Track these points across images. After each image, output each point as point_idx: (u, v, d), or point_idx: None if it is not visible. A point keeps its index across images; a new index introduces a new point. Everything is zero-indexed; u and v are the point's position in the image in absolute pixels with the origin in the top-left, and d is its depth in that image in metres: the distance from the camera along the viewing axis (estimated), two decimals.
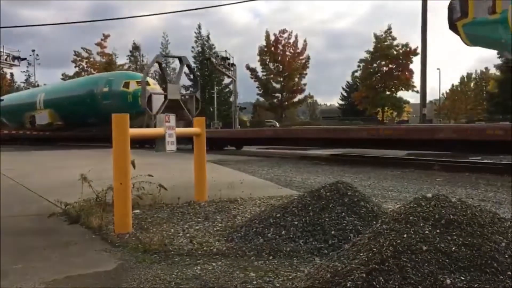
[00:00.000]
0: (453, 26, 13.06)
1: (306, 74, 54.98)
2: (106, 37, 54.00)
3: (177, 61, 32.96)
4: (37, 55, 56.75)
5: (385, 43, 48.95)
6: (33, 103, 32.62)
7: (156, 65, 25.90)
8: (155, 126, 21.63)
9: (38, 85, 57.86)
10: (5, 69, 42.30)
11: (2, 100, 35.53)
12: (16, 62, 39.56)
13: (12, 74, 54.99)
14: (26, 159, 15.00)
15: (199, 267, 3.18)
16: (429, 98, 55.24)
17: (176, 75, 28.01)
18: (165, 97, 22.43)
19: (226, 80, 51.69)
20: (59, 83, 43.15)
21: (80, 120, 28.08)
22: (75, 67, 54.58)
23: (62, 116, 29.70)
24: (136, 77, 26.33)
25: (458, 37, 13.02)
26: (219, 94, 54.72)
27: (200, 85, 25.51)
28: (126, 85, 24.86)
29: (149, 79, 25.60)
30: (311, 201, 3.92)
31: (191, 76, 30.18)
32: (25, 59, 43.67)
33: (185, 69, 25.90)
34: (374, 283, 2.14)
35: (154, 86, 24.29)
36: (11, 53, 38.21)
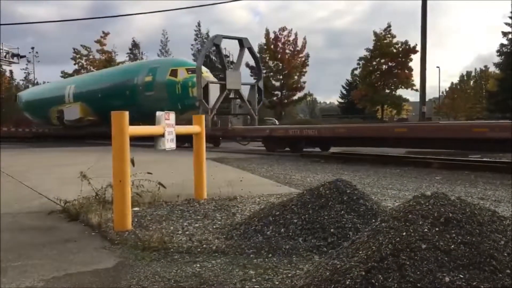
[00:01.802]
0: None
1: (305, 72, 54.95)
2: (105, 34, 53.97)
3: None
4: (36, 52, 56.68)
5: (385, 41, 48.92)
6: (61, 96, 29.30)
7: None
8: (214, 123, 18.24)
9: (37, 83, 57.75)
10: (4, 67, 42.23)
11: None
12: (15, 59, 39.59)
13: (11, 72, 54.91)
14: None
15: (198, 265, 3.19)
16: (428, 96, 55.24)
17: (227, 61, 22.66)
18: (223, 87, 18.52)
19: None
20: (91, 73, 38.55)
21: None
22: (75, 64, 54.52)
23: (95, 110, 25.87)
24: (186, 63, 22.61)
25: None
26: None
27: (262, 75, 20.67)
28: (174, 73, 21.22)
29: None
30: (311, 199, 3.92)
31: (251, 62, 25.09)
32: (24, 56, 43.72)
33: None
34: (373, 281, 2.15)
35: (207, 74, 19.94)
36: (11, 50, 38.20)
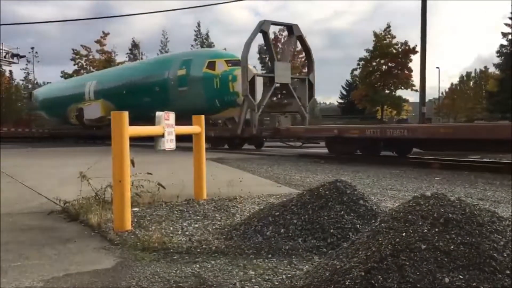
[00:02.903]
0: None
1: (305, 72, 54.90)
2: (105, 34, 53.98)
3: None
4: (36, 52, 56.59)
5: (385, 42, 48.91)
6: (80, 94, 27.07)
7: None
8: (260, 123, 16.42)
9: (37, 83, 57.70)
10: (4, 67, 42.19)
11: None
12: (15, 59, 39.59)
13: (11, 72, 54.88)
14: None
15: (198, 265, 3.19)
16: (428, 97, 55.27)
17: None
18: (271, 80, 16.34)
19: None
20: (115, 68, 35.63)
21: (144, 113, 21.92)
22: (74, 64, 54.52)
23: (119, 108, 20.64)
24: (225, 54, 20.22)
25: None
26: None
27: (313, 67, 17.82)
28: (211, 65, 18.71)
29: (239, 57, 18.68)
30: (310, 199, 3.92)
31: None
32: (24, 56, 43.73)
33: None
34: (372, 281, 2.15)
35: (248, 66, 17.16)
36: (10, 50, 38.21)
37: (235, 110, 18.30)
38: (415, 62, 46.13)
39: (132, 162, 4.44)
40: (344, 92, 68.20)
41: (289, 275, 2.94)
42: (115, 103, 23.65)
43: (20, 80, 59.57)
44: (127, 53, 58.84)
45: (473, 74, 69.09)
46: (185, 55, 21.18)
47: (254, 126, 15.80)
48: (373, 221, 3.47)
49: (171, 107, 18.37)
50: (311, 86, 17.31)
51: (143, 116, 24.55)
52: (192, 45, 57.11)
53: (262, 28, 16.33)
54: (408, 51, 47.83)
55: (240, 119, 16.65)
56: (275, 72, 16.18)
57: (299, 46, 53.59)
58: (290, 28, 17.17)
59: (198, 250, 3.54)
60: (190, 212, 4.87)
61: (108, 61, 52.68)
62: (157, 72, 21.47)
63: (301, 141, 16.94)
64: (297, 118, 17.46)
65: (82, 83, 28.42)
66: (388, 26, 49.57)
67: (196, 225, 4.30)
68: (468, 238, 2.29)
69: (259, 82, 16.21)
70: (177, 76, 19.86)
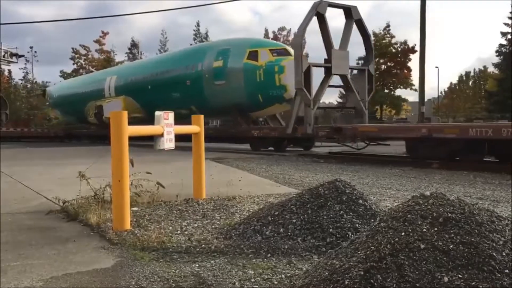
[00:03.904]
0: None
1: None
2: (105, 34, 53.96)
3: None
4: (35, 52, 56.54)
5: (384, 41, 48.92)
6: (99, 90, 25.03)
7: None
8: (313, 121, 14.00)
9: (36, 82, 57.62)
10: (3, 66, 42.10)
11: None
12: (14, 59, 39.49)
13: (10, 71, 54.83)
14: None
15: (197, 265, 3.19)
16: (427, 96, 55.26)
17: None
18: (327, 70, 14.34)
19: None
20: (138, 61, 32.99)
21: (173, 111, 21.46)
22: (74, 64, 54.50)
23: (143, 105, 21.20)
24: (268, 43, 18.08)
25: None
26: None
27: (373, 56, 15.64)
28: (253, 55, 16.39)
29: (285, 46, 17.14)
30: (310, 199, 3.93)
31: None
32: (23, 56, 43.59)
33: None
34: (372, 281, 2.15)
35: (303, 55, 15.06)
36: (9, 50, 38.12)
37: (281, 107, 16.58)
38: (414, 62, 46.13)
39: (131, 162, 4.44)
40: (343, 92, 68.09)
41: (288, 275, 2.94)
42: (138, 100, 21.82)
43: (19, 79, 59.52)
44: (126, 53, 58.86)
45: (472, 74, 69.20)
46: (222, 44, 18.63)
47: (309, 124, 13.66)
48: (372, 220, 3.48)
49: (205, 103, 17.80)
50: (370, 77, 15.14)
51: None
52: (191, 44, 57.12)
53: (318, 10, 14.08)
54: (407, 50, 47.87)
55: (292, 116, 14.38)
56: (332, 62, 14.04)
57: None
58: (348, 11, 14.80)
59: (197, 249, 3.54)
60: (189, 211, 4.87)
61: (107, 60, 52.65)
62: (188, 64, 19.08)
63: (367, 142, 14.12)
64: (353, 114, 15.35)
65: (101, 78, 26.12)
66: (388, 26, 49.61)
67: (195, 225, 4.30)
68: (467, 237, 2.29)
69: (314, 73, 14.12)
70: (213, 68, 17.45)
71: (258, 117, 18.36)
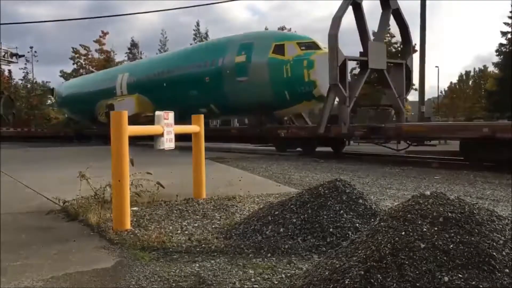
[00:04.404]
0: None
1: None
2: (105, 34, 53.90)
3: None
4: (35, 52, 56.52)
5: (384, 41, 48.79)
6: (110, 88, 23.76)
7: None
8: (347, 119, 12.44)
9: (36, 82, 57.57)
10: (3, 66, 42.08)
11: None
12: (14, 59, 39.49)
13: (10, 71, 54.82)
14: None
15: (197, 264, 3.19)
16: (427, 96, 55.16)
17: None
18: (363, 65, 13.36)
19: None
20: (152, 57, 31.12)
21: (191, 109, 16.51)
22: (73, 64, 54.47)
23: (157, 104, 19.20)
24: (295, 36, 16.57)
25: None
26: None
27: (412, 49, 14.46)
28: (279, 49, 15.18)
29: (314, 39, 15.72)
30: (310, 198, 3.93)
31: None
32: (23, 56, 43.59)
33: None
34: (372, 280, 2.15)
35: (325, 50, 14.04)
36: (9, 50, 38.11)
37: (310, 104, 15.46)
38: (414, 61, 45.98)
39: (131, 162, 4.44)
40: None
41: (288, 274, 2.94)
42: (152, 98, 20.55)
43: (19, 79, 59.51)
44: (126, 53, 58.85)
45: (472, 73, 69.16)
46: (244, 38, 17.17)
47: (344, 123, 12.56)
48: (372, 220, 3.48)
49: (225, 101, 16.79)
50: (408, 73, 13.91)
51: (188, 112, 20.38)
52: (191, 44, 57.12)
53: None
54: None
55: (324, 114, 13.23)
56: (369, 55, 12.90)
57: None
58: (385, 1, 13.68)
59: (198, 249, 3.54)
60: (190, 211, 4.87)
61: (107, 60, 52.63)
62: (207, 60, 17.74)
63: (409, 143, 12.74)
64: (389, 113, 14.29)
65: (113, 76, 24.76)
66: (388, 25, 49.51)
67: (196, 225, 4.30)
68: (467, 237, 2.29)
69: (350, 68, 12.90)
70: (235, 63, 16.20)
71: (284, 115, 17.03)
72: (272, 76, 15.18)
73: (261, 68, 15.48)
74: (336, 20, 12.92)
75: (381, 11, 13.90)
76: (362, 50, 13.25)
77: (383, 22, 14.14)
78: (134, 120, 18.23)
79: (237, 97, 16.32)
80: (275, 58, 15.12)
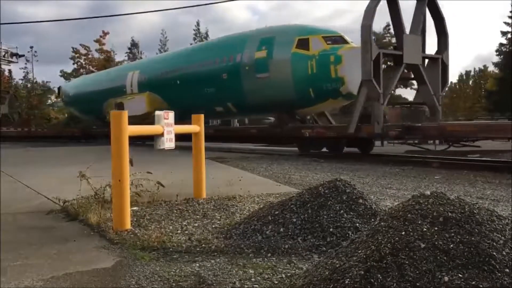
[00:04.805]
0: None
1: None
2: (105, 34, 53.88)
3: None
4: (35, 52, 56.51)
5: (384, 40, 48.83)
6: (120, 86, 22.92)
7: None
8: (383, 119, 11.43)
9: (36, 82, 57.52)
10: (3, 66, 42.08)
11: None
12: (14, 58, 39.51)
13: (10, 71, 54.83)
14: None
15: (197, 264, 3.19)
16: None
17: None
18: (397, 59, 12.46)
19: None
20: (165, 54, 29.65)
21: (206, 107, 16.72)
22: (74, 64, 54.46)
23: (170, 102, 18.77)
24: (321, 30, 15.02)
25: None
26: None
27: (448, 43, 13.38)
28: (303, 44, 14.18)
29: (341, 33, 14.88)
30: (310, 198, 3.93)
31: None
32: (23, 55, 43.61)
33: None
34: (372, 280, 2.15)
35: (353, 45, 13.88)
36: (9, 49, 38.13)
37: (336, 102, 14.63)
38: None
39: (131, 162, 4.44)
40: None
41: (288, 274, 2.94)
42: (165, 96, 19.63)
43: (19, 79, 59.52)
44: (126, 52, 58.85)
45: (472, 73, 69.17)
46: (264, 32, 16.28)
47: (377, 122, 11.72)
48: (372, 220, 3.48)
49: (244, 99, 15.85)
50: (444, 68, 13.04)
51: (203, 111, 17.98)
52: (191, 44, 57.14)
53: None
54: None
55: (355, 113, 12.49)
56: (404, 49, 12.07)
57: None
58: None
59: (198, 249, 3.54)
60: (190, 211, 4.87)
61: (108, 60, 52.61)
62: (224, 56, 16.81)
63: (450, 143, 12.13)
64: (423, 111, 13.35)
65: (123, 73, 23.92)
66: (388, 25, 49.50)
67: (196, 224, 4.30)
68: (467, 237, 2.29)
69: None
70: (254, 59, 15.24)
71: (307, 114, 16.04)
72: (295, 73, 14.23)
73: (283, 64, 14.52)
74: (370, 10, 12.01)
75: (415, 1, 13.01)
76: (396, 44, 12.47)
77: (418, 14, 12.91)
78: (145, 118, 18.11)
79: (256, 94, 15.46)
80: (299, 53, 14.13)
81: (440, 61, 12.94)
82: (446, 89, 13.42)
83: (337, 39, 14.25)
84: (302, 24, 16.65)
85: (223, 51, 17.17)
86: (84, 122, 30.36)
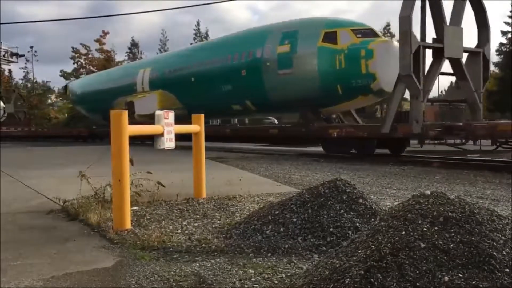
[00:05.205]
0: None
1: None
2: (105, 34, 53.88)
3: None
4: (35, 51, 56.55)
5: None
6: (130, 85, 22.27)
7: None
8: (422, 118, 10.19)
9: (36, 82, 57.55)
10: (3, 66, 42.11)
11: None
12: (14, 58, 39.53)
13: (10, 71, 54.87)
14: None
15: (197, 264, 3.19)
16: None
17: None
18: (437, 52, 11.37)
19: None
20: (178, 51, 28.00)
21: (223, 106, 16.77)
22: (74, 63, 54.47)
23: (184, 100, 18.40)
24: (349, 23, 14.07)
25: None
26: None
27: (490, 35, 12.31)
28: (330, 37, 13.33)
29: (370, 26, 13.98)
30: (310, 198, 3.93)
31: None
32: (23, 55, 43.65)
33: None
34: (372, 280, 2.15)
35: (385, 38, 13.36)
36: (10, 49, 38.15)
37: (366, 100, 13.79)
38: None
39: (131, 162, 4.44)
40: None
41: (288, 274, 2.94)
42: (178, 94, 18.85)
43: (19, 79, 59.55)
44: (127, 52, 58.86)
45: None
46: (287, 25, 15.25)
47: (416, 121, 10.85)
48: (372, 219, 3.48)
49: (264, 97, 14.96)
50: (486, 63, 12.02)
51: (219, 109, 17.75)
52: (191, 44, 57.12)
53: None
54: None
55: (390, 111, 11.58)
56: (445, 42, 11.11)
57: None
58: None
59: (198, 249, 3.54)
60: (190, 211, 4.87)
61: (108, 60, 52.62)
62: (243, 51, 15.91)
63: (497, 144, 11.16)
64: (461, 109, 12.58)
65: (133, 71, 23.13)
66: (388, 25, 49.50)
67: (196, 224, 4.30)
68: (467, 236, 2.29)
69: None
70: (276, 54, 14.44)
71: (333, 113, 15.24)
72: (322, 68, 13.36)
73: (308, 59, 13.63)
74: (410, 0, 11.18)
75: None
76: (435, 36, 11.47)
77: (459, 4, 11.96)
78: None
79: (278, 92, 14.65)
80: (326, 47, 13.24)
81: (481, 55, 11.88)
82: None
83: (368, 32, 13.39)
84: (327, 17, 15.71)
85: (242, 46, 16.29)
86: (84, 122, 30.26)
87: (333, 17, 15.42)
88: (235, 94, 16.11)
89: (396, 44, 12.48)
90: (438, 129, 10.72)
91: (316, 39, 13.56)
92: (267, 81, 14.85)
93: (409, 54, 10.65)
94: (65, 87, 33.47)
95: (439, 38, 11.34)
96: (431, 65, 11.47)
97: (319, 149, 14.95)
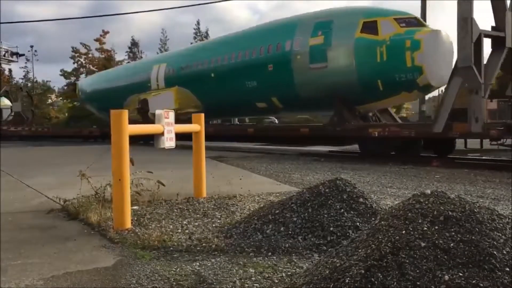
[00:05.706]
0: None
1: None
2: (105, 33, 53.87)
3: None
4: (35, 51, 56.61)
5: None
6: (143, 81, 21.17)
7: None
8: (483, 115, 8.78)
9: (36, 81, 57.56)
10: (3, 65, 42.10)
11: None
12: (14, 58, 39.52)
13: (10, 70, 54.89)
14: None
15: (198, 263, 3.19)
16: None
17: None
18: (497, 42, 10.23)
19: None
20: (196, 44, 26.97)
21: (247, 104, 15.72)
22: (74, 63, 54.48)
23: (202, 98, 17.41)
24: (391, 12, 12.65)
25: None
26: None
27: None
28: (370, 27, 12.09)
29: (415, 15, 12.94)
30: (310, 197, 3.93)
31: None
32: (23, 55, 43.64)
33: None
34: (372, 279, 2.15)
35: (431, 28, 12.06)
36: (10, 49, 38.14)
37: (410, 96, 12.73)
38: None
39: (131, 161, 4.43)
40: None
41: (289, 273, 2.94)
42: (196, 92, 17.74)
43: (19, 78, 59.57)
44: (127, 52, 58.84)
45: None
46: (320, 15, 13.86)
47: (475, 120, 9.68)
48: (372, 219, 3.48)
49: (293, 93, 13.70)
50: None
51: (242, 107, 16.72)
52: (191, 43, 57.11)
53: None
54: None
55: (444, 108, 10.28)
56: (506, 30, 10.00)
57: None
58: None
59: (198, 248, 3.54)
60: (190, 210, 4.87)
61: (108, 59, 52.61)
62: (270, 44, 14.72)
63: None
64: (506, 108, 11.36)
65: (147, 67, 21.94)
66: None
67: (196, 223, 4.30)
68: (467, 236, 2.29)
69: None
70: (308, 46, 13.26)
71: (370, 110, 13.89)
72: (360, 62, 12.14)
73: (344, 51, 12.49)
74: None
75: None
76: (494, 24, 10.32)
77: None
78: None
79: (309, 87, 13.44)
80: (365, 39, 12.02)
81: None
82: None
83: (412, 21, 12.14)
84: (365, 6, 14.48)
85: (269, 39, 14.99)
86: (84, 122, 30.12)
87: (371, 6, 14.13)
88: (260, 90, 15.03)
89: (445, 34, 11.58)
90: (499, 128, 9.63)
91: (353, 29, 12.32)
92: (297, 76, 13.71)
93: (470, 43, 9.52)
94: (74, 85, 32.49)
95: (499, 26, 10.16)
96: (491, 56, 10.29)
97: (320, 148, 14.92)
